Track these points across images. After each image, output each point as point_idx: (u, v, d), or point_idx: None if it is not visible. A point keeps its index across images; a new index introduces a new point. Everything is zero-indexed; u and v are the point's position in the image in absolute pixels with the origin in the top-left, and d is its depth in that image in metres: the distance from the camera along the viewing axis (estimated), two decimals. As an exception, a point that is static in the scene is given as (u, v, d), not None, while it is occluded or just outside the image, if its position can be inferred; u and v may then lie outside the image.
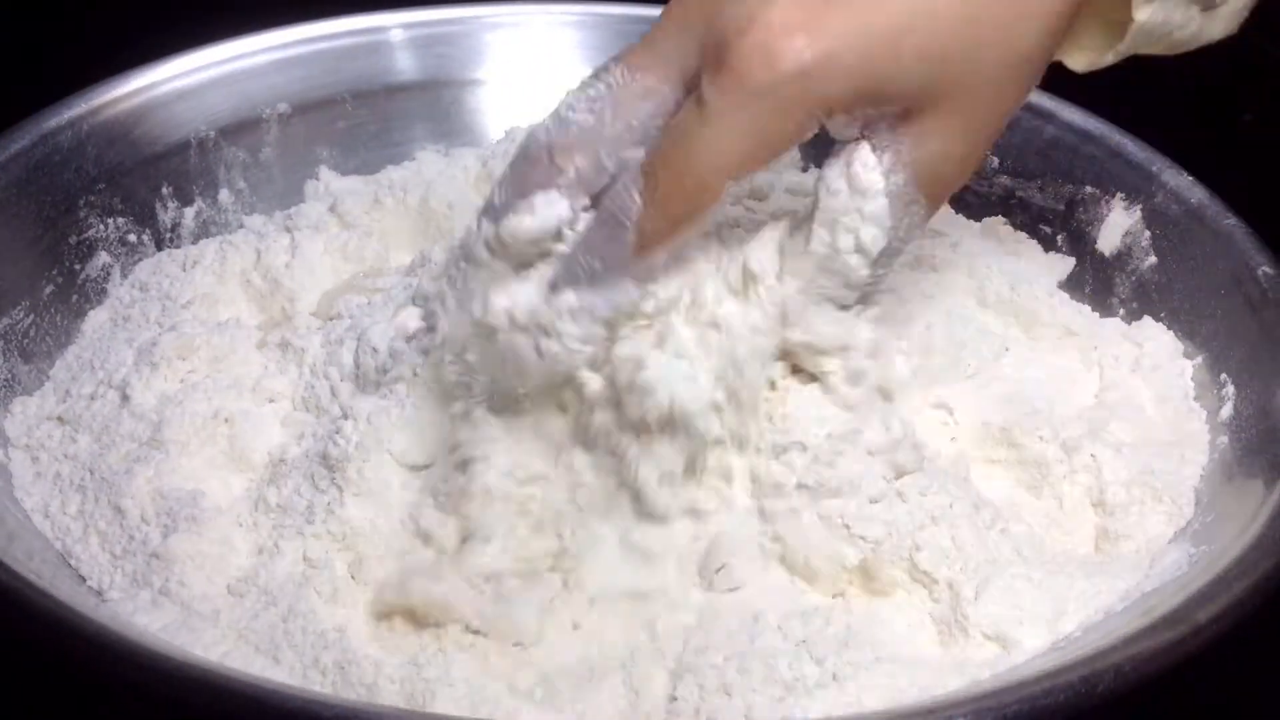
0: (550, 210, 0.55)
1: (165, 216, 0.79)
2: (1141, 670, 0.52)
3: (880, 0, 0.51)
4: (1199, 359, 0.72)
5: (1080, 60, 0.61)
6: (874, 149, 0.54)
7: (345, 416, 0.62)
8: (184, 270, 0.76)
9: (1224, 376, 0.70)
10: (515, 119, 0.86)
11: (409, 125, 0.88)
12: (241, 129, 0.83)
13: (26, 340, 0.70)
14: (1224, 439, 0.67)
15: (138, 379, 0.67)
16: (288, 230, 0.77)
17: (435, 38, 0.89)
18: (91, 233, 0.75)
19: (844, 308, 0.59)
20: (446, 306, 0.59)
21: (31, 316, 0.71)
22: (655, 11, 0.89)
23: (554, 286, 0.54)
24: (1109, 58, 0.60)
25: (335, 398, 0.65)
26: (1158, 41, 0.60)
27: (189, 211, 0.80)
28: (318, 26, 0.86)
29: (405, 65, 0.88)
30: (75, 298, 0.74)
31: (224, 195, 0.82)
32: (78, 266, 0.74)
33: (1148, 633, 0.53)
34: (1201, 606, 0.54)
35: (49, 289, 0.72)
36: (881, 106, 0.53)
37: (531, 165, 0.55)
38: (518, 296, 0.55)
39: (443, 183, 0.80)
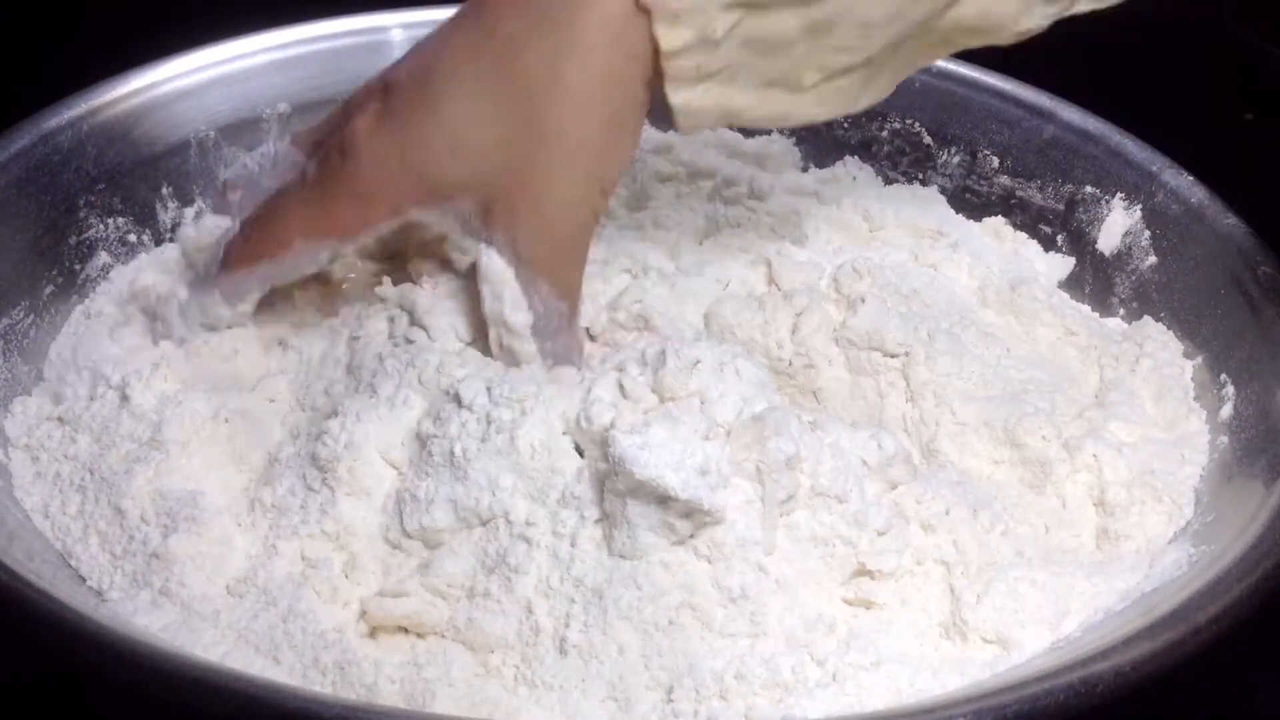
0: (213, 225, 0.71)
1: (165, 216, 0.79)
2: (1141, 670, 0.52)
3: (428, 131, 0.62)
4: (1199, 359, 0.72)
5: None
6: (491, 245, 0.62)
7: (335, 414, 0.62)
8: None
9: (1224, 376, 0.70)
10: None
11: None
12: (242, 129, 0.83)
13: (26, 340, 0.70)
14: (1224, 439, 0.67)
15: (137, 379, 0.67)
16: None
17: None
18: (91, 233, 0.75)
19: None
20: None
21: (31, 317, 0.71)
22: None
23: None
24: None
25: (329, 396, 0.65)
26: (729, 120, 0.64)
27: (189, 212, 0.80)
28: (318, 26, 0.86)
29: (405, 65, 0.88)
30: (75, 298, 0.74)
31: (224, 195, 0.82)
32: (78, 266, 0.74)
33: (1147, 633, 0.53)
34: (1201, 607, 0.55)
35: (49, 289, 0.72)
36: (447, 200, 0.62)
37: (216, 196, 0.73)
38: (155, 279, 0.72)
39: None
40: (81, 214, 0.75)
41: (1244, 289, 0.72)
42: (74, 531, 0.61)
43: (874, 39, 0.61)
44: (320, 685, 0.54)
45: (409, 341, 0.65)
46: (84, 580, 0.60)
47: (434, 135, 0.62)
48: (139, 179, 0.79)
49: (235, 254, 0.66)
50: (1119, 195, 0.80)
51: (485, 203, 0.62)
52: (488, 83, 0.61)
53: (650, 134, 0.87)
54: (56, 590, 0.53)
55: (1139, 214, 0.79)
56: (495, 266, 0.62)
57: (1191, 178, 0.78)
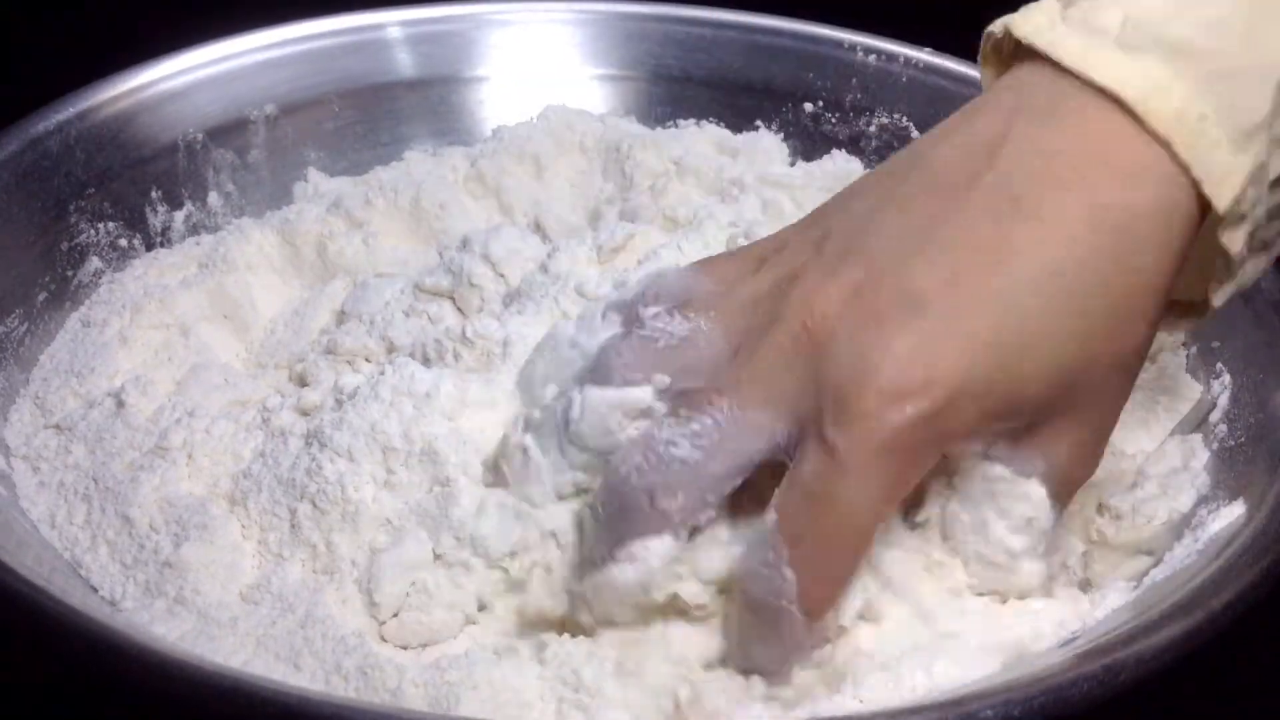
0: (655, 555, 0.52)
1: (155, 220, 0.79)
2: (1162, 658, 0.52)
3: (994, 328, 0.50)
4: (1194, 349, 0.73)
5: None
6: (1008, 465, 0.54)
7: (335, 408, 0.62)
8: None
9: (1219, 366, 0.71)
10: (504, 118, 0.86)
11: (397, 125, 0.87)
12: (229, 131, 0.82)
13: (21, 348, 0.69)
14: (1223, 428, 0.68)
15: (134, 386, 0.66)
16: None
17: (424, 36, 0.89)
18: (82, 238, 0.75)
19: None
20: None
21: (25, 324, 0.70)
22: (651, 9, 0.91)
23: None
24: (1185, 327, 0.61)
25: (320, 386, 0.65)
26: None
27: (179, 215, 0.79)
28: (304, 26, 0.85)
29: (393, 64, 0.88)
30: (69, 304, 0.73)
31: (213, 198, 0.81)
32: (70, 273, 0.74)
33: (1166, 620, 0.54)
34: (1215, 594, 0.55)
35: (42, 296, 0.72)
36: (1008, 423, 0.52)
37: (630, 512, 0.51)
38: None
39: (432, 183, 0.80)
40: (72, 219, 0.74)
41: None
42: (82, 541, 0.61)
43: None
44: (343, 691, 0.54)
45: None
46: (95, 590, 0.59)
47: (1021, 350, 0.51)
48: (128, 183, 0.78)
49: (817, 598, 0.50)
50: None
51: (1035, 422, 0.53)
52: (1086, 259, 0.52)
53: (635, 129, 0.87)
54: (74, 600, 0.53)
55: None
56: (1024, 508, 0.54)
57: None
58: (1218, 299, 0.57)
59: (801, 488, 0.50)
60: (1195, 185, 0.52)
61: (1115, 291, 0.52)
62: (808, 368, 0.50)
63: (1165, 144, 0.52)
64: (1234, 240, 0.54)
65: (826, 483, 0.49)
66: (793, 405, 0.50)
